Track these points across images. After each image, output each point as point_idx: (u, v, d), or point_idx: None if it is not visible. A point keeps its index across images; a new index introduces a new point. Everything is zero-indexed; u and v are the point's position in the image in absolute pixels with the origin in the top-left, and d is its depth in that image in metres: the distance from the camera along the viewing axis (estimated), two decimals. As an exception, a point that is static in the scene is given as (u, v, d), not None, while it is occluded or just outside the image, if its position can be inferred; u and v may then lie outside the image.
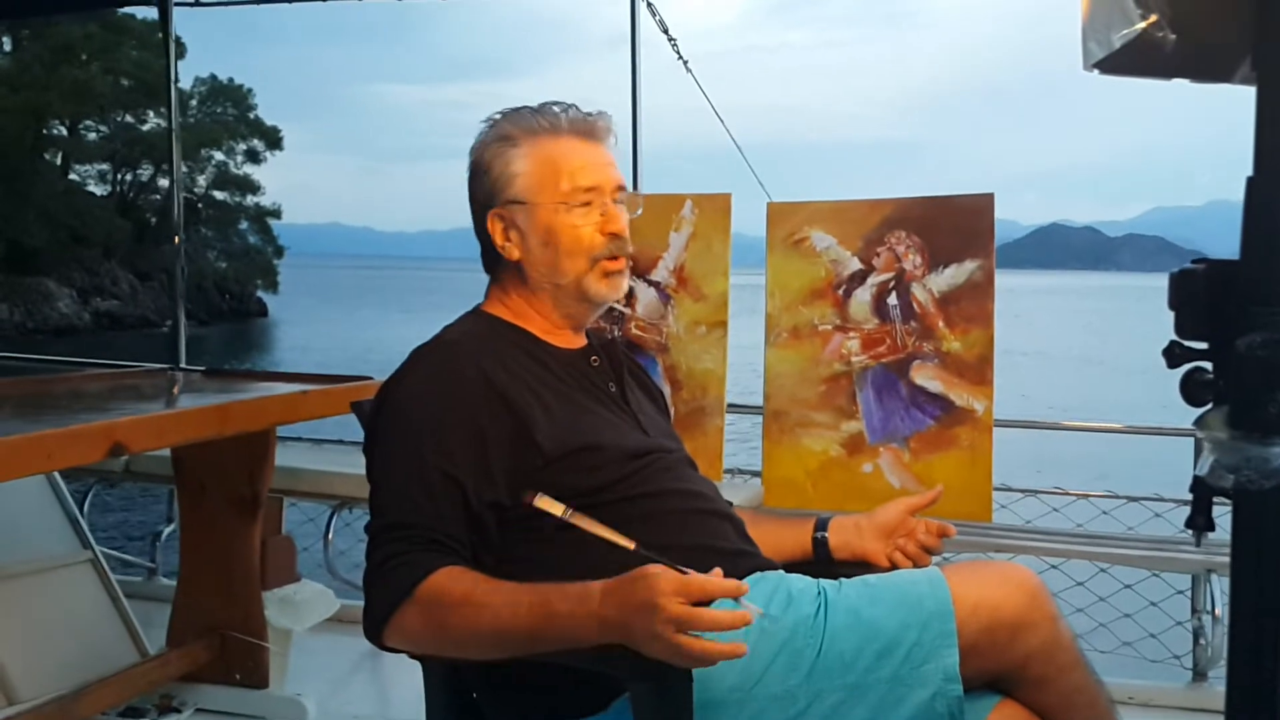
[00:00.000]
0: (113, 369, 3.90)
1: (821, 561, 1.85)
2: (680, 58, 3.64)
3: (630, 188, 1.78)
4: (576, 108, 1.73)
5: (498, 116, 1.74)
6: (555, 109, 1.72)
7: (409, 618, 1.46)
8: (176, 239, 4.64)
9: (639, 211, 1.77)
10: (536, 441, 1.58)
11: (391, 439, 1.59)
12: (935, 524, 1.85)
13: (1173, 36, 0.92)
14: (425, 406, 1.58)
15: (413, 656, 1.58)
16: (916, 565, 1.80)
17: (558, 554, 1.52)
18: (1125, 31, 0.94)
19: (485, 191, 1.73)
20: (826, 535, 1.85)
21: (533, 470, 1.57)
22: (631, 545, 1.43)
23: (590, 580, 1.38)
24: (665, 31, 3.60)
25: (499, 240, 1.72)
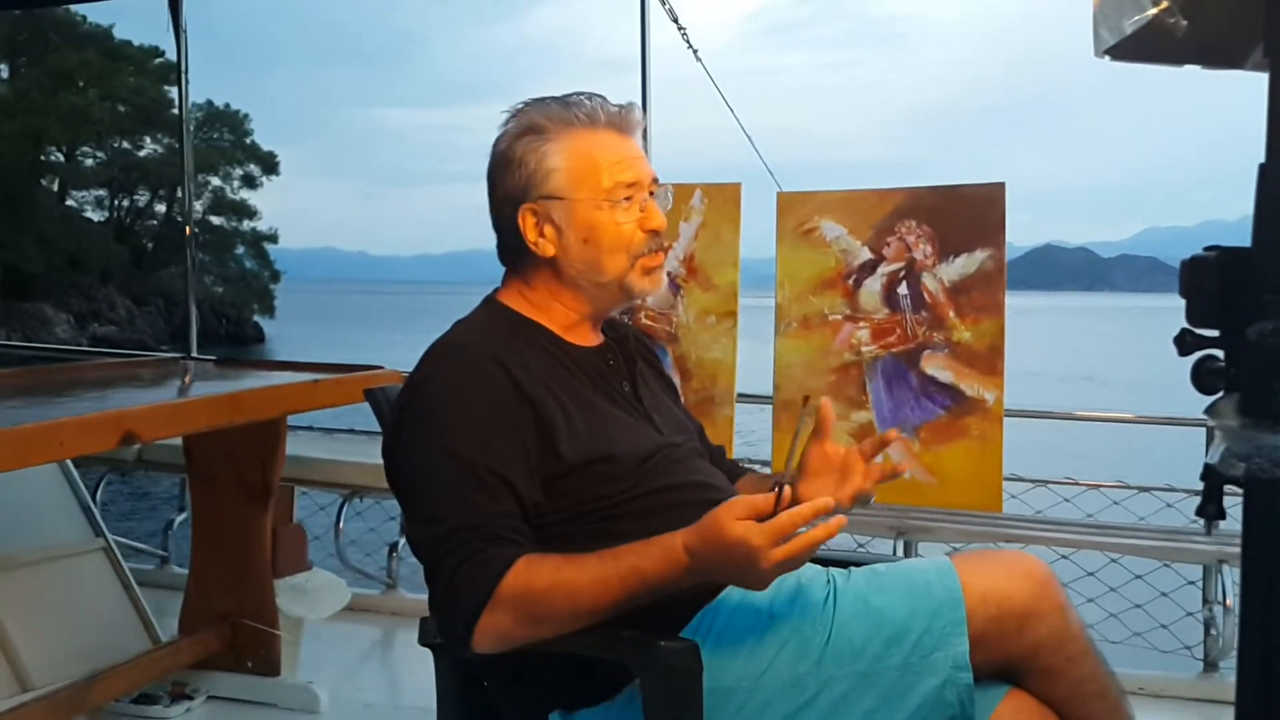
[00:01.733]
0: (124, 359, 3.91)
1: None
2: (690, 46, 3.62)
3: None
4: (604, 98, 1.70)
5: (522, 107, 1.70)
6: (585, 100, 1.68)
7: (497, 618, 1.43)
8: (189, 229, 4.64)
9: (669, 204, 1.76)
10: (558, 449, 1.56)
11: (428, 442, 1.54)
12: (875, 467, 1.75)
13: (1184, 22, 0.92)
14: (459, 408, 1.54)
15: (494, 654, 1.52)
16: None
17: (581, 548, 1.49)
18: (1136, 18, 0.93)
19: (517, 185, 1.67)
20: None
21: (551, 476, 1.56)
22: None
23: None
24: (675, 20, 3.59)
25: (531, 236, 1.67)
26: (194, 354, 4.12)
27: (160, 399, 2.93)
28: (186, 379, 3.33)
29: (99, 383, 3.08)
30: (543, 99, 1.71)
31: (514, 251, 1.72)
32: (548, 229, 1.67)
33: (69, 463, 3.15)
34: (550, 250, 1.67)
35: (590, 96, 1.70)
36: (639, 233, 1.67)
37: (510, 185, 1.68)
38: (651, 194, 1.70)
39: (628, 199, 1.66)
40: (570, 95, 1.70)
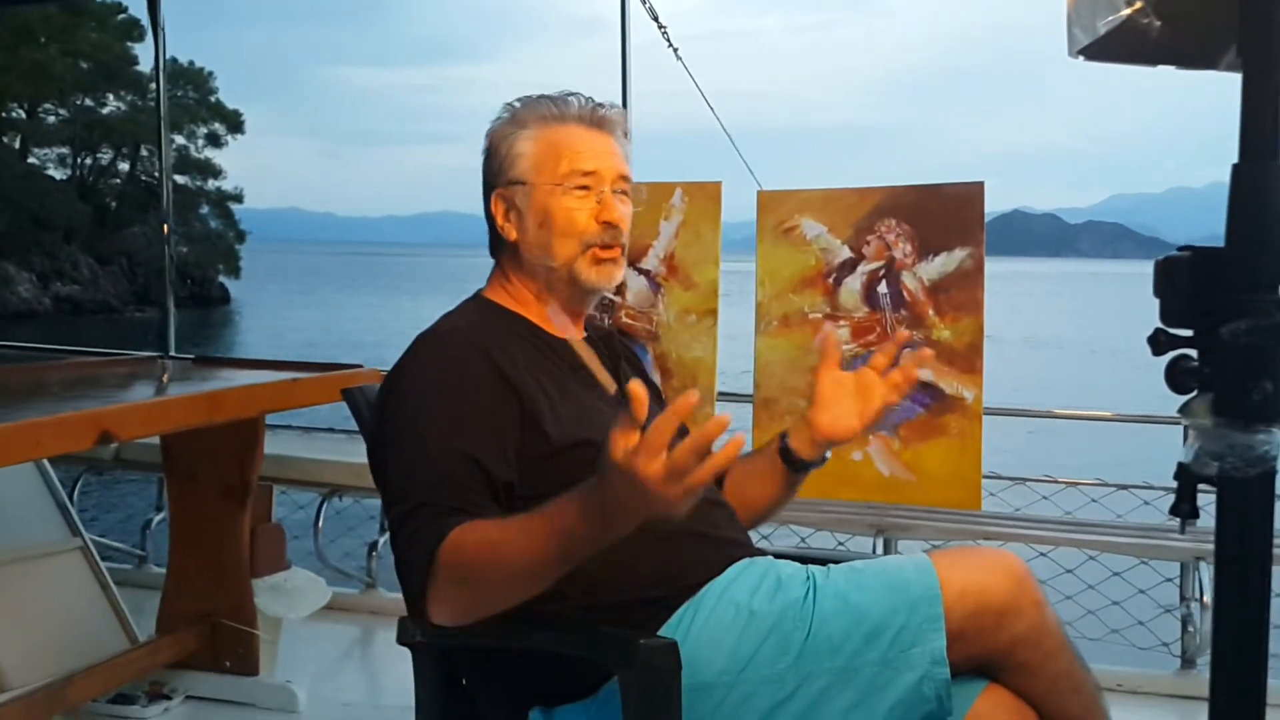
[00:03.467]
0: (102, 357, 3.89)
1: (797, 467, 1.81)
2: (670, 45, 3.62)
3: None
4: (591, 99, 1.75)
5: (516, 103, 1.75)
6: (568, 97, 1.73)
7: (441, 586, 1.42)
8: (165, 227, 4.61)
9: (640, 205, 1.78)
10: (545, 430, 1.58)
11: (406, 428, 1.57)
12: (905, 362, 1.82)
13: (1158, 23, 0.92)
14: (439, 394, 1.57)
15: (461, 627, 1.50)
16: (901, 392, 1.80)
17: None
18: (1110, 18, 0.94)
19: (491, 172, 1.75)
20: (788, 440, 1.82)
21: (538, 458, 1.57)
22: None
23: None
24: (655, 19, 3.58)
25: (500, 220, 1.73)
26: (172, 352, 4.10)
27: (138, 398, 2.92)
28: (164, 378, 3.32)
29: (76, 381, 3.06)
30: (536, 96, 1.76)
31: (494, 239, 1.77)
32: (512, 214, 1.73)
33: (45, 462, 3.13)
34: (513, 234, 1.73)
35: (579, 96, 1.74)
36: (592, 222, 1.70)
37: (487, 172, 1.76)
38: (620, 191, 1.73)
39: (584, 188, 1.70)
40: (563, 93, 1.74)
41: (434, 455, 1.51)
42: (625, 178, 1.74)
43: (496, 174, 1.74)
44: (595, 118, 1.73)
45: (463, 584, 1.43)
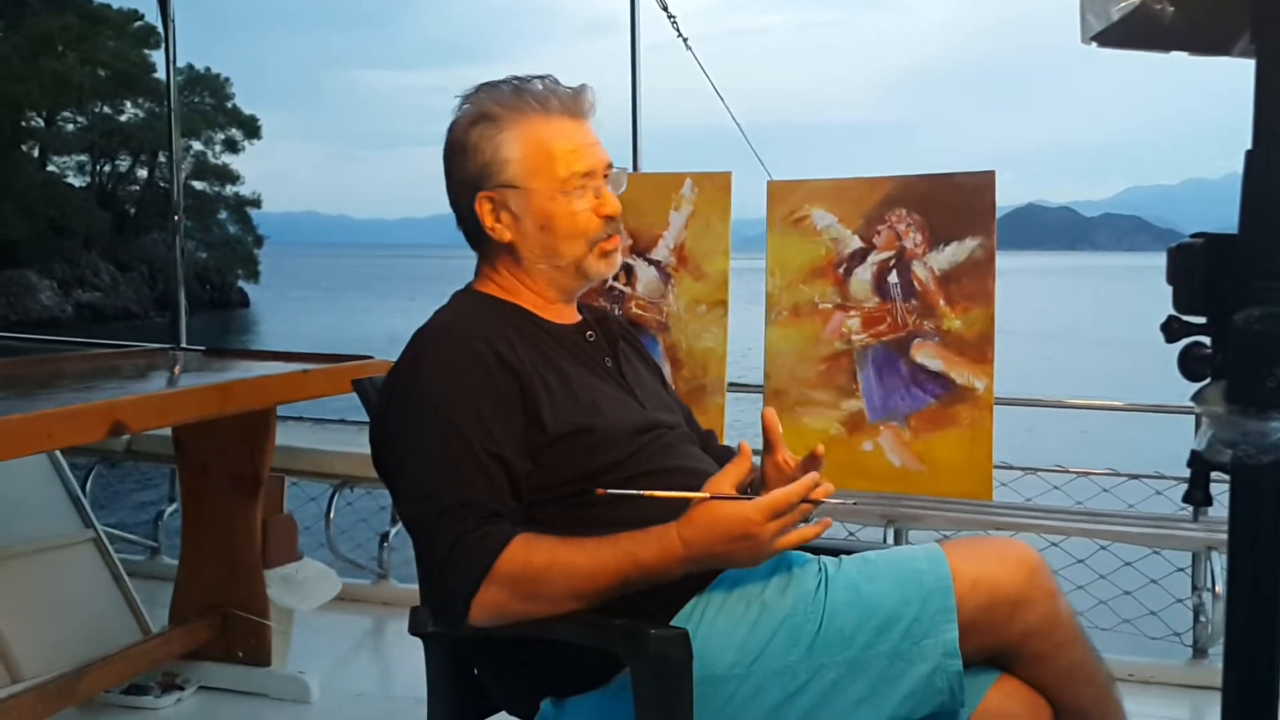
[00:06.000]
0: (114, 349, 3.90)
1: None
2: (680, 35, 3.62)
3: (631, 168, 1.78)
4: (555, 79, 1.71)
5: (475, 92, 1.71)
6: (537, 85, 1.69)
7: (494, 592, 1.47)
8: (176, 216, 4.62)
9: (624, 187, 1.77)
10: (542, 419, 1.58)
11: (419, 423, 1.57)
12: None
13: (1171, 9, 0.92)
14: (448, 386, 1.57)
15: (489, 629, 1.55)
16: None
17: (568, 525, 1.52)
18: (1124, 4, 0.93)
19: (472, 173, 1.69)
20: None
21: (536, 448, 1.57)
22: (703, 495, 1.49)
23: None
24: (665, 9, 3.58)
25: (488, 222, 1.70)
26: (183, 344, 4.10)
27: (149, 389, 2.92)
28: (176, 369, 3.32)
29: (88, 373, 3.07)
30: (495, 83, 1.72)
31: (474, 236, 1.75)
32: (504, 215, 1.70)
33: (58, 453, 3.14)
34: (507, 236, 1.71)
35: (543, 79, 1.71)
36: (595, 219, 1.70)
37: (466, 172, 1.71)
38: (606, 178, 1.72)
39: (582, 187, 1.69)
40: (522, 79, 1.71)
41: (461, 454, 1.52)
42: (610, 165, 1.74)
43: (480, 176, 1.69)
44: (576, 106, 1.71)
45: (523, 596, 1.48)
